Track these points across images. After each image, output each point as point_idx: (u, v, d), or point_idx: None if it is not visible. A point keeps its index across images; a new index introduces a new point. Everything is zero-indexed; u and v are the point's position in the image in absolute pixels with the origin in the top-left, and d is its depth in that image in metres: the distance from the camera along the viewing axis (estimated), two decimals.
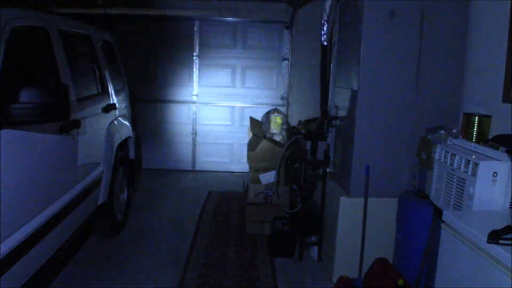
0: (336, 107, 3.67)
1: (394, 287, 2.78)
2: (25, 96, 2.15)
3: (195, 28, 6.27)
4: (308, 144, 3.63)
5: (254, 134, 4.73)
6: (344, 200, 3.24)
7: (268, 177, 4.19)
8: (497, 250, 1.61)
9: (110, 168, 3.74)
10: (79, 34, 3.56)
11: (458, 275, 1.86)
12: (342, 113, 3.53)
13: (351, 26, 3.32)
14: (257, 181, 4.22)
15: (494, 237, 1.62)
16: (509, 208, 2.07)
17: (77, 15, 4.36)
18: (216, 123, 6.49)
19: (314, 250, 3.74)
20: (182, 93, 6.42)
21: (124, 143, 4.24)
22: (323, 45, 3.43)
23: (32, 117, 2.18)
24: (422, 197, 2.84)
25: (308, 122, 4.35)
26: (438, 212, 2.33)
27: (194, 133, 6.52)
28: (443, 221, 2.02)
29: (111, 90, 4.02)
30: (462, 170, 2.21)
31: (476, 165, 2.11)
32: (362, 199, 3.10)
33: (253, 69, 6.40)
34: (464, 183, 2.19)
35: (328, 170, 3.62)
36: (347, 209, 3.23)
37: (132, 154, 4.48)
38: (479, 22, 3.00)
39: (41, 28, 2.77)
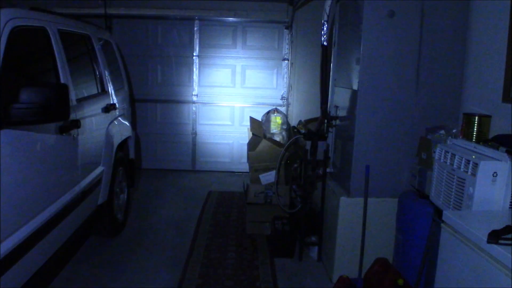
0: (336, 107, 3.67)
1: (394, 287, 2.78)
2: (25, 96, 2.14)
3: (195, 28, 6.27)
4: (308, 144, 3.63)
5: (254, 134, 4.73)
6: (344, 200, 3.24)
7: (268, 177, 4.19)
8: (497, 250, 1.60)
9: (110, 168, 3.74)
10: (79, 34, 3.57)
11: (458, 275, 1.86)
12: (342, 113, 3.53)
13: (351, 26, 3.32)
14: (257, 181, 4.22)
15: (494, 237, 1.62)
16: (509, 208, 2.06)
17: (77, 15, 4.36)
18: (216, 123, 6.49)
19: (314, 250, 3.74)
20: (182, 93, 6.42)
21: (124, 143, 4.24)
22: (323, 45, 3.43)
23: (32, 117, 2.18)
24: (422, 197, 2.84)
25: (308, 122, 4.35)
26: (438, 212, 2.33)
27: (194, 133, 6.52)
28: (443, 221, 2.01)
29: (111, 90, 4.02)
30: (462, 170, 2.21)
31: (476, 165, 2.11)
32: (362, 199, 3.10)
33: (253, 69, 6.40)
34: (464, 183, 2.19)
35: (328, 170, 3.63)
36: (347, 209, 3.23)
37: (132, 154, 4.49)
38: (479, 22, 3.00)
39: (41, 28, 2.77)
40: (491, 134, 2.61)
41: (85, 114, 3.22)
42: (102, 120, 3.70)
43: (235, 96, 6.43)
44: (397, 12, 3.01)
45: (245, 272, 3.48)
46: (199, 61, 6.35)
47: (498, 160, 2.10)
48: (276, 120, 4.65)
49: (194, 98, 6.44)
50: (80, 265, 3.51)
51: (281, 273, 3.50)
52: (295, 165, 4.17)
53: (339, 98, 3.62)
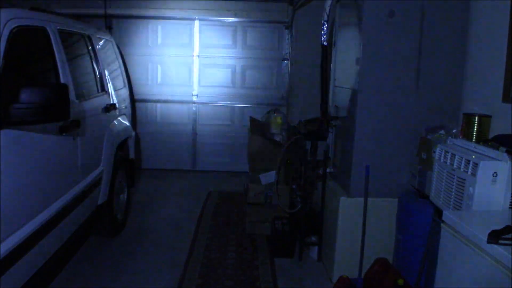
0: (336, 107, 3.67)
1: (394, 287, 2.78)
2: (25, 96, 2.15)
3: (195, 28, 6.26)
4: (308, 144, 3.63)
5: (254, 134, 4.73)
6: (344, 200, 3.24)
7: (268, 177, 4.19)
8: (497, 250, 1.60)
9: (110, 168, 3.74)
10: (79, 34, 3.57)
11: (458, 275, 1.86)
12: (342, 113, 3.53)
13: (351, 26, 3.32)
14: (257, 181, 4.22)
15: (494, 237, 1.62)
16: (509, 208, 2.06)
17: (77, 15, 4.36)
18: (216, 123, 6.49)
19: (314, 250, 3.74)
20: (182, 93, 6.42)
21: (124, 143, 4.24)
22: (323, 45, 3.43)
23: (32, 117, 2.18)
24: (422, 197, 2.84)
25: (308, 122, 4.34)
26: (438, 212, 2.33)
27: (194, 133, 6.51)
28: (443, 221, 2.01)
29: (111, 90, 4.02)
30: (462, 170, 2.21)
31: (476, 165, 2.11)
32: (362, 199, 3.10)
33: (253, 69, 6.40)
34: (464, 183, 2.19)
35: (328, 170, 3.62)
36: (347, 209, 3.23)
37: (132, 154, 4.49)
38: (479, 22, 3.00)
39: (41, 28, 2.77)
40: (491, 134, 2.61)
41: (85, 114, 3.23)
42: (102, 120, 3.70)
43: (235, 96, 6.43)
44: (397, 12, 3.01)
45: (245, 272, 3.48)
46: (199, 61, 6.35)
47: (498, 160, 2.10)
48: (276, 120, 4.65)
49: (194, 98, 6.44)
50: (80, 265, 3.51)
51: (281, 273, 3.50)
52: (295, 165, 4.16)
53: (339, 98, 3.61)
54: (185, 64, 6.36)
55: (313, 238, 3.73)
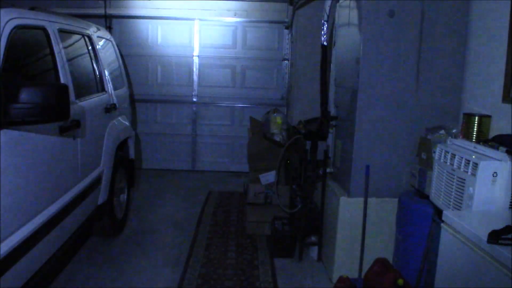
0: (336, 107, 3.67)
1: (394, 287, 2.78)
2: (25, 96, 2.14)
3: (195, 28, 6.26)
4: (308, 144, 3.63)
5: (254, 134, 4.73)
6: (344, 200, 3.24)
7: (268, 177, 4.19)
8: (497, 250, 1.60)
9: (110, 168, 3.74)
10: (79, 34, 3.57)
11: (458, 275, 1.86)
12: (342, 113, 3.53)
13: (351, 26, 3.32)
14: (257, 181, 4.22)
15: (494, 237, 1.62)
16: (509, 208, 2.06)
17: (77, 15, 4.36)
18: (216, 123, 6.49)
19: (314, 250, 3.74)
20: (182, 93, 6.42)
21: (124, 143, 4.24)
22: (323, 45, 3.43)
23: (32, 117, 2.17)
24: (422, 197, 2.84)
25: (308, 122, 4.34)
26: (438, 212, 2.33)
27: (194, 133, 6.51)
28: (443, 221, 2.01)
29: (111, 90, 4.02)
30: (462, 170, 2.21)
31: (476, 165, 2.11)
32: (362, 199, 3.11)
33: (253, 69, 6.40)
34: (464, 183, 2.19)
35: (328, 170, 3.62)
36: (347, 209, 3.23)
37: (132, 154, 4.48)
38: (479, 22, 3.00)
39: (41, 28, 2.77)
40: (491, 134, 2.61)
41: (85, 114, 3.22)
42: (102, 120, 3.70)
43: (235, 96, 6.43)
44: (397, 12, 3.01)
45: (245, 272, 3.48)
46: (199, 61, 6.35)
47: (498, 160, 2.10)
48: (276, 120, 4.64)
49: (194, 98, 6.44)
50: (80, 265, 3.51)
51: (281, 273, 3.50)
52: (295, 165, 4.16)
53: (339, 98, 3.61)
54: (185, 64, 6.36)
55: (313, 238, 3.73)
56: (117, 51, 4.61)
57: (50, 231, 2.61)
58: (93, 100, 3.51)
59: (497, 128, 2.62)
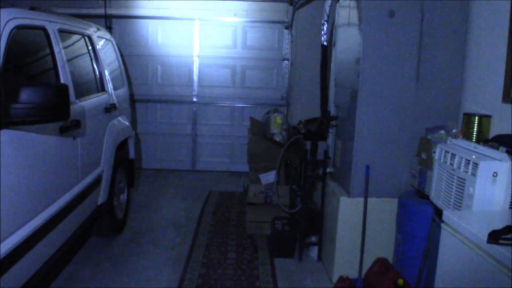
0: (336, 107, 3.67)
1: (394, 287, 2.78)
2: (25, 96, 2.14)
3: (195, 28, 6.26)
4: (308, 144, 3.63)
5: (254, 134, 4.73)
6: (344, 200, 3.24)
7: (268, 177, 4.19)
8: (497, 250, 1.60)
9: (110, 168, 3.74)
10: (79, 34, 3.57)
11: (458, 275, 1.86)
12: (342, 113, 3.53)
13: (351, 26, 3.32)
14: (257, 181, 4.22)
15: (494, 237, 1.62)
16: (509, 208, 2.06)
17: (77, 15, 4.36)
18: (216, 123, 6.49)
19: (314, 250, 3.74)
20: (182, 93, 6.42)
21: (124, 143, 4.24)
22: (323, 45, 3.43)
23: (32, 117, 2.17)
24: (422, 197, 2.84)
25: (308, 122, 4.34)
26: (438, 212, 2.33)
27: (194, 133, 6.51)
28: (443, 221, 2.01)
29: (111, 90, 4.02)
30: (462, 170, 2.21)
31: (476, 165, 2.11)
32: (362, 199, 3.11)
33: (253, 69, 6.40)
34: (464, 183, 2.19)
35: (328, 170, 3.63)
36: (347, 209, 3.23)
37: (132, 154, 4.48)
38: (479, 22, 3.00)
39: (41, 28, 2.77)
40: (491, 134, 2.61)
41: (85, 114, 3.22)
42: (102, 120, 3.70)
43: (235, 96, 6.43)
44: (397, 12, 3.01)
45: (245, 272, 3.48)
46: (199, 61, 6.35)
47: (498, 160, 2.10)
48: (276, 120, 4.64)
49: (194, 98, 6.44)
50: (80, 265, 3.51)
51: (281, 273, 3.50)
52: (295, 165, 4.17)
53: (339, 98, 3.62)
54: (185, 64, 6.36)
55: (313, 238, 3.73)
56: (117, 51, 4.61)
57: (50, 231, 2.61)
58: (93, 100, 3.51)
59: (497, 128, 2.62)
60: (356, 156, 3.17)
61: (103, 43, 4.16)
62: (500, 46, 2.67)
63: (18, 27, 2.41)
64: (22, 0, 2.79)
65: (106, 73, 3.98)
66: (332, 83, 3.77)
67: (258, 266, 3.59)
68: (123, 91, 4.53)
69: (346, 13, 3.45)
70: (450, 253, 1.94)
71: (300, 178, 3.94)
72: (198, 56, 6.33)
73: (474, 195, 2.10)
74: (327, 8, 3.38)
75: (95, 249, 3.80)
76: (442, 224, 2.02)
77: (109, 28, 5.92)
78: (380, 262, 3.02)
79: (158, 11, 6.13)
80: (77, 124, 2.97)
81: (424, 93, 3.12)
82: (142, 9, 6.11)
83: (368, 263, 3.10)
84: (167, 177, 6.21)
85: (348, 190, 3.26)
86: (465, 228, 1.82)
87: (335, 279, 3.19)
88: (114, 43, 4.56)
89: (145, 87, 6.38)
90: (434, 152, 2.62)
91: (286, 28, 6.21)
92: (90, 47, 3.75)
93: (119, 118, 4.15)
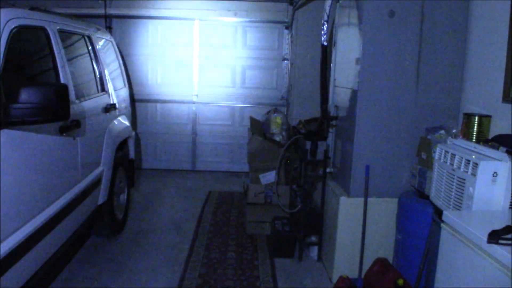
0: (336, 107, 3.67)
1: (394, 287, 2.78)
2: (25, 96, 2.14)
3: (195, 28, 6.26)
4: (308, 144, 3.63)
5: (254, 134, 4.73)
6: (344, 200, 3.24)
7: (268, 177, 4.19)
8: (497, 250, 1.60)
9: (110, 168, 3.74)
10: (79, 34, 3.57)
11: (458, 275, 1.86)
12: (342, 113, 3.53)
13: (351, 26, 3.32)
14: (257, 181, 4.22)
15: (494, 237, 1.62)
16: (509, 208, 2.06)
17: (77, 15, 4.36)
18: (216, 123, 6.49)
19: (314, 250, 3.74)
20: (182, 93, 6.42)
21: (124, 143, 4.24)
22: (323, 45, 3.43)
23: (32, 117, 2.18)
24: (422, 197, 2.84)
25: (308, 122, 4.34)
26: (438, 212, 2.33)
27: (194, 133, 6.51)
28: (443, 221, 2.01)
29: (111, 90, 4.02)
30: (462, 170, 2.21)
31: (476, 165, 2.11)
32: (362, 199, 3.10)
33: (253, 69, 6.40)
34: (464, 183, 2.19)
35: (328, 170, 3.62)
36: (347, 209, 3.23)
37: (132, 154, 4.49)
38: (479, 22, 3.00)
39: (41, 28, 2.77)
40: (491, 134, 2.61)
41: (85, 114, 3.23)
42: (102, 120, 3.70)
43: (235, 96, 6.43)
44: (397, 12, 3.01)
45: (245, 272, 3.48)
46: (199, 61, 6.35)
47: (498, 160, 2.10)
48: (276, 120, 4.65)
49: (194, 98, 6.44)
50: (80, 265, 3.51)
51: (281, 273, 3.50)
52: (295, 165, 4.16)
53: (339, 98, 3.61)
54: (185, 64, 6.36)
55: (313, 238, 3.73)
56: (117, 51, 4.61)
57: (50, 231, 2.61)
58: (93, 100, 3.51)
59: (497, 128, 2.62)
60: (356, 156, 3.17)
61: (103, 43, 4.16)
62: (500, 46, 2.67)
63: (18, 27, 2.41)
64: (22, 0, 2.79)
65: (106, 73, 3.98)
66: (332, 83, 3.77)
67: (258, 266, 3.59)
68: (123, 91, 4.53)
69: (346, 13, 3.45)
70: (450, 253, 1.94)
71: (300, 178, 3.93)
72: (198, 56, 6.33)
73: (474, 195, 2.10)
74: (327, 8, 3.38)
75: (95, 249, 3.80)
76: (442, 224, 2.02)
77: (109, 28, 5.92)
78: (380, 262, 3.02)
79: (158, 11, 6.13)
80: (77, 124, 2.97)
81: (424, 93, 3.12)
82: (142, 9, 6.11)
83: (368, 263, 3.10)
84: (167, 177, 6.21)
85: (348, 190, 3.26)
86: (465, 228, 1.82)
87: (335, 279, 3.19)
88: (114, 43, 4.57)
89: (145, 87, 6.38)
90: (434, 152, 2.62)
91: (286, 28, 6.22)
92: (90, 47, 3.75)
93: (119, 118, 4.15)
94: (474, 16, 3.04)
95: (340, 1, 3.58)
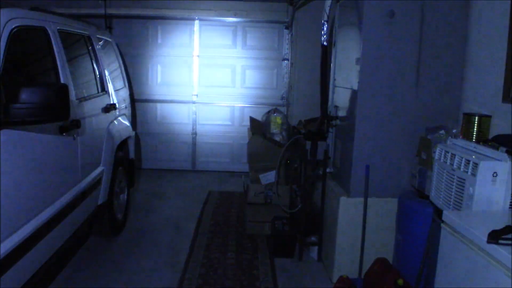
0: (336, 107, 3.67)
1: (394, 287, 2.78)
2: (25, 96, 2.14)
3: (195, 28, 6.27)
4: (308, 144, 3.63)
5: (254, 134, 4.73)
6: (344, 200, 3.24)
7: (268, 177, 4.19)
8: (497, 250, 1.60)
9: (110, 168, 3.74)
10: (79, 34, 3.57)
11: (458, 275, 1.86)
12: (342, 113, 3.53)
13: (351, 26, 3.32)
14: (257, 181, 4.22)
15: (494, 237, 1.61)
16: (509, 208, 2.06)
17: (77, 15, 4.36)
18: (216, 123, 6.49)
19: (314, 250, 3.74)
20: (182, 93, 6.42)
21: (124, 143, 4.24)
22: (323, 45, 3.43)
23: (32, 117, 2.18)
24: (422, 197, 2.84)
25: (308, 122, 4.35)
26: (438, 212, 2.33)
27: (194, 133, 6.52)
28: (443, 221, 2.01)
29: (111, 90, 4.03)
30: (462, 170, 2.21)
31: (476, 165, 2.11)
32: (362, 199, 3.10)
33: (253, 69, 6.40)
34: (464, 183, 2.19)
35: (328, 170, 3.62)
36: (347, 209, 3.23)
37: (132, 154, 4.49)
38: (479, 22, 3.00)
39: (41, 28, 2.77)
40: (491, 134, 2.61)
41: (85, 114, 3.23)
42: (102, 120, 3.70)
43: (235, 96, 6.43)
44: (397, 12, 3.01)
45: (245, 272, 3.48)
46: (199, 61, 6.35)
47: (498, 160, 2.10)
48: (276, 120, 4.65)
49: (194, 98, 6.44)
50: (80, 265, 3.51)
51: (281, 273, 3.50)
52: (295, 165, 4.17)
53: (339, 98, 3.62)
54: (185, 64, 6.36)
55: (313, 238, 3.73)
56: (117, 51, 4.61)
57: (50, 231, 2.61)
58: (93, 100, 3.51)
59: (497, 128, 2.62)
60: (356, 156, 3.17)
61: (103, 43, 4.16)
62: (500, 46, 2.67)
63: (18, 27, 2.41)
64: (22, 0, 2.79)
65: (106, 73, 3.98)
66: (332, 83, 3.77)
67: (258, 266, 3.59)
68: (123, 91, 4.53)
69: (346, 13, 3.45)
70: (450, 253, 1.94)
71: (300, 178, 3.93)
72: (198, 56, 6.33)
73: (474, 195, 2.10)
74: (327, 8, 3.38)
75: (95, 249, 3.80)
76: (442, 224, 2.02)
77: (109, 28, 5.91)
78: (380, 262, 3.02)
79: (158, 11, 6.13)
80: (77, 124, 2.97)
81: (424, 93, 3.12)
82: (142, 9, 6.11)
83: (368, 263, 3.10)
84: (167, 177, 6.21)
85: (348, 190, 3.26)
86: (465, 228, 1.82)
87: (335, 279, 3.19)
88: (114, 43, 4.57)
89: (145, 87, 6.39)
90: (434, 152, 2.62)
91: (286, 28, 6.21)
92: (90, 47, 3.75)
93: (119, 118, 4.15)
94: (474, 16, 3.04)
95: (340, 1, 3.58)
